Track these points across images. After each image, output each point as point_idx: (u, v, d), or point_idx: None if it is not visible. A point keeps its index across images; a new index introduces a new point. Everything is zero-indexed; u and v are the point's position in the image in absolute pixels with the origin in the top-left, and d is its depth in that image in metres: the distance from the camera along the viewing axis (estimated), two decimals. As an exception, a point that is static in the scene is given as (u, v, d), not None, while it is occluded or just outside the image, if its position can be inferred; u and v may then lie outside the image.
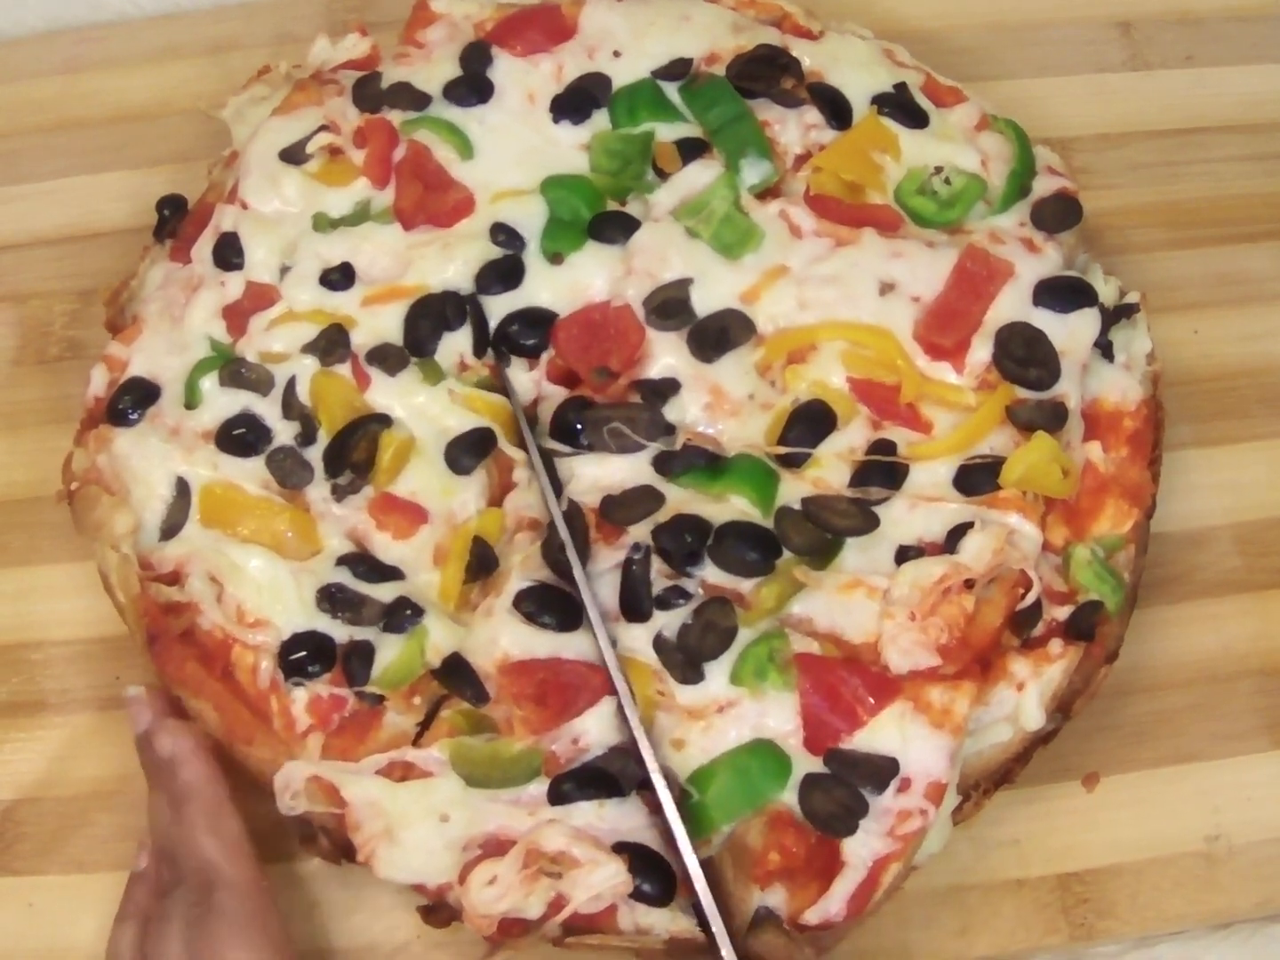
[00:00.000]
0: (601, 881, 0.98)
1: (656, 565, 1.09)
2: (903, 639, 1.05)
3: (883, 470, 1.13)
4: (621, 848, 1.00)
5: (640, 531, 1.10)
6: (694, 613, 1.07)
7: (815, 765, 1.03)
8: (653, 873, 1.00)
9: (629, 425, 1.14)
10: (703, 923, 0.98)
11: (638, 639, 1.07)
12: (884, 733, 1.03)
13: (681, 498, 1.12)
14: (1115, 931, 1.10)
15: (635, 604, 1.08)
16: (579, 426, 1.16)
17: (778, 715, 1.04)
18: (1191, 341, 1.33)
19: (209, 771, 1.06)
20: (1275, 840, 1.12)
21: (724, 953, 0.96)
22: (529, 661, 1.06)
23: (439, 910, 1.02)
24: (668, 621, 1.07)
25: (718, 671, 1.05)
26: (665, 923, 1.00)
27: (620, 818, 1.02)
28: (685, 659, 1.06)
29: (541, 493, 1.12)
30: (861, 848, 1.00)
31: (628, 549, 1.09)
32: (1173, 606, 1.21)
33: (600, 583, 1.09)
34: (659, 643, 1.07)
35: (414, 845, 1.01)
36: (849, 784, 1.01)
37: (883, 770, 1.02)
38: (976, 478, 1.12)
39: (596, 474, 1.14)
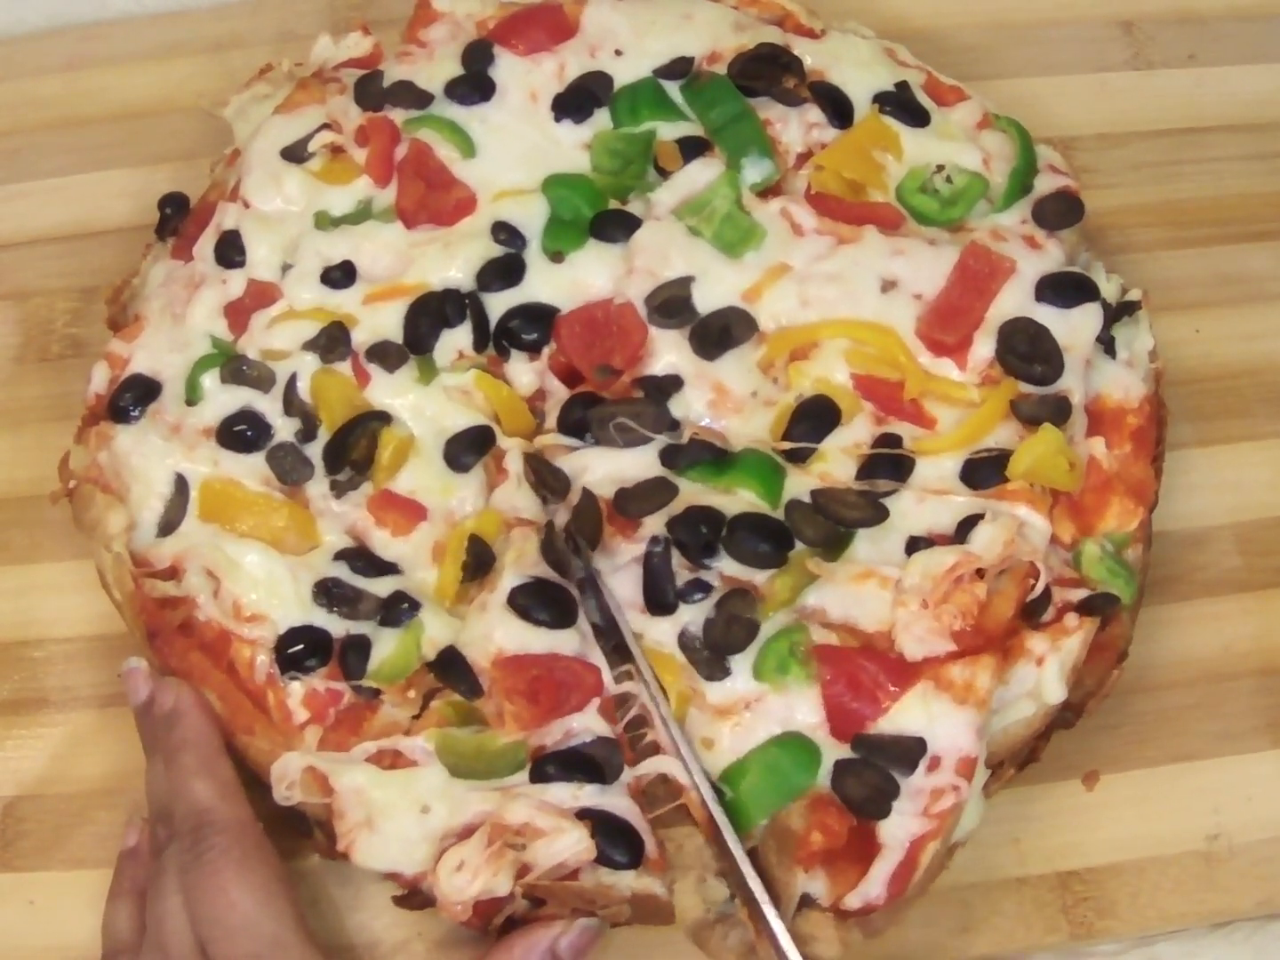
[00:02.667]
0: (565, 848, 0.99)
1: (676, 558, 1.09)
2: (916, 626, 1.05)
3: (889, 463, 1.13)
4: (584, 815, 1.01)
5: (654, 524, 1.10)
6: (716, 605, 1.07)
7: (844, 752, 1.03)
8: (618, 839, 1.01)
9: (635, 420, 1.14)
10: (755, 916, 0.99)
11: (664, 633, 1.07)
12: (909, 714, 1.03)
13: (691, 490, 1.12)
14: (1115, 930, 1.10)
15: (660, 596, 1.08)
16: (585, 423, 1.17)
17: (803, 708, 1.04)
18: (1193, 341, 1.33)
19: (205, 723, 1.06)
20: (1275, 839, 1.12)
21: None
22: (523, 657, 1.06)
23: (412, 896, 1.03)
24: (692, 616, 1.08)
25: (743, 666, 1.06)
26: (628, 881, 1.01)
27: (596, 801, 1.03)
28: (711, 654, 1.06)
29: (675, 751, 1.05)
30: (898, 829, 1.01)
31: (646, 542, 1.09)
32: (1173, 606, 1.21)
33: (619, 577, 1.10)
34: (684, 638, 1.07)
35: (393, 835, 1.02)
36: (878, 766, 1.02)
37: (911, 750, 1.02)
38: (983, 471, 1.12)
39: (608, 468, 1.14)
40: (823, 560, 1.09)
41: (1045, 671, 1.06)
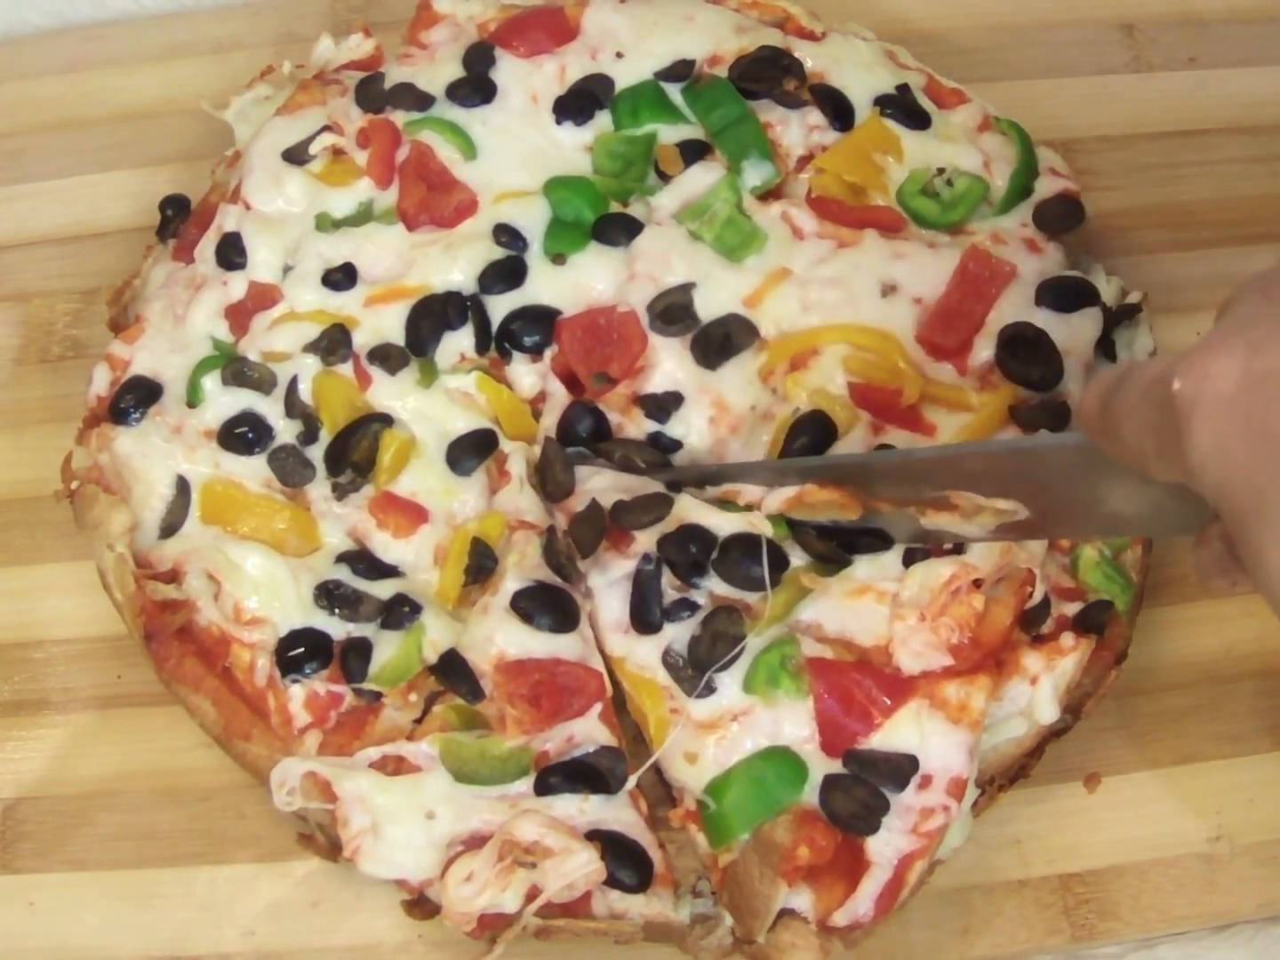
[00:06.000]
0: (575, 869, 0.99)
1: (666, 577, 1.09)
2: (914, 640, 1.05)
3: None
4: (594, 835, 1.01)
5: (647, 540, 1.10)
6: (701, 623, 1.07)
7: (834, 767, 1.03)
8: (627, 860, 1.01)
9: (639, 457, 1.14)
10: None
11: (648, 654, 1.07)
12: (902, 731, 1.03)
13: (690, 506, 1.11)
14: (1117, 932, 1.10)
15: (646, 615, 1.08)
16: (584, 435, 1.17)
17: (793, 722, 1.04)
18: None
19: None
20: (1277, 841, 1.12)
21: None
22: (525, 661, 1.06)
23: (422, 903, 1.03)
24: (676, 635, 1.07)
25: (729, 682, 1.05)
26: (640, 907, 1.01)
27: (602, 814, 1.03)
28: (696, 671, 1.05)
29: None
30: (886, 846, 1.00)
31: (638, 559, 1.09)
32: (1175, 607, 1.21)
33: (610, 594, 1.09)
34: (668, 657, 1.07)
35: (399, 842, 1.02)
36: (869, 783, 1.01)
37: (903, 768, 1.02)
38: None
39: (615, 476, 1.14)
40: (819, 575, 1.09)
41: (1039, 691, 1.06)
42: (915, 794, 1.01)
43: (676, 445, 1.16)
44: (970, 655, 1.05)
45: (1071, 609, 1.11)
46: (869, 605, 1.07)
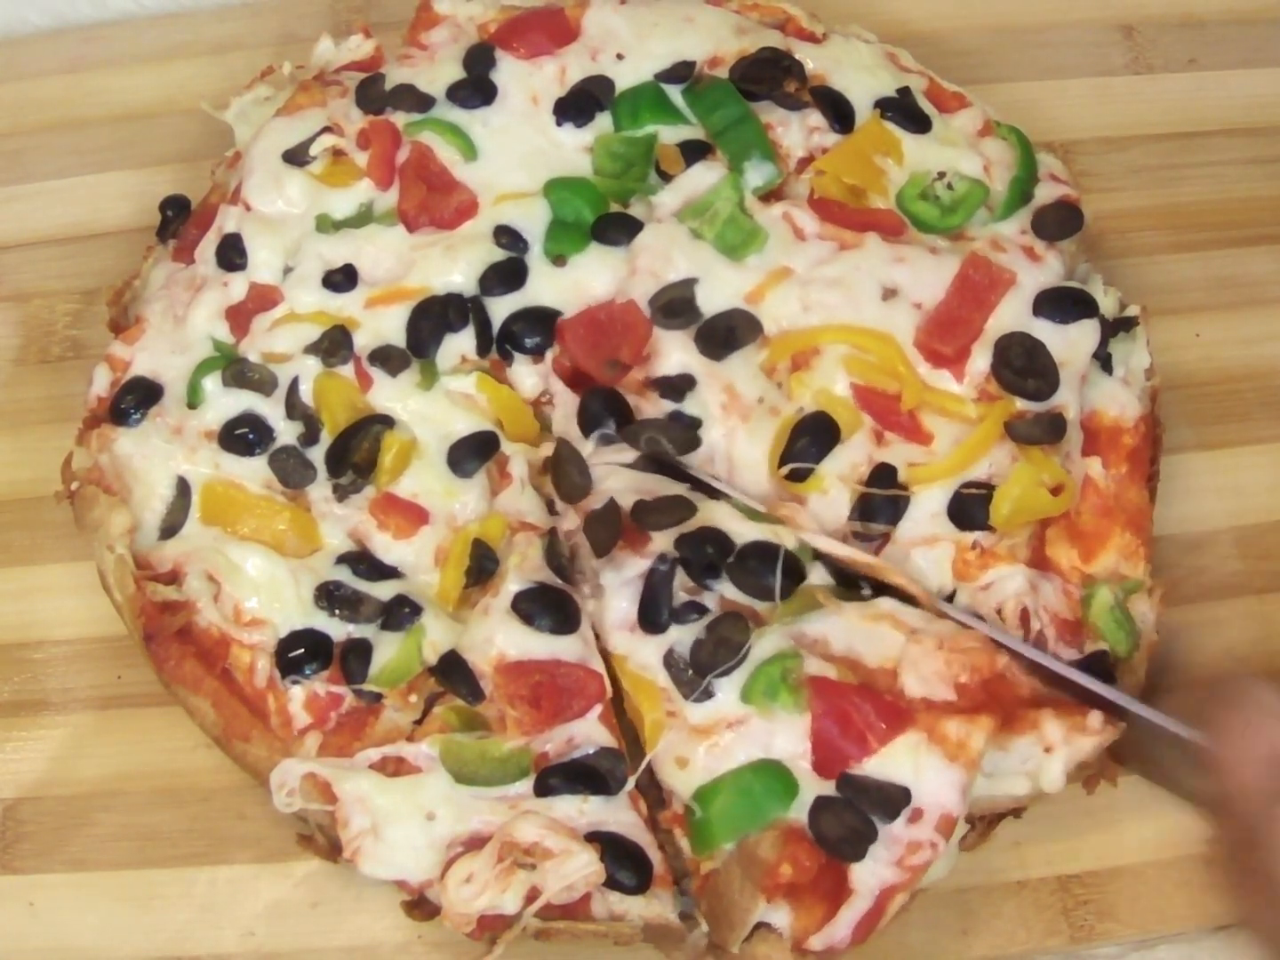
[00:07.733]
0: (574, 871, 0.99)
1: (678, 579, 1.09)
2: (924, 665, 1.04)
3: (884, 504, 1.13)
4: (594, 836, 1.01)
5: (664, 541, 1.10)
6: (707, 628, 1.07)
7: (826, 788, 1.02)
8: (627, 861, 1.01)
9: (664, 436, 1.14)
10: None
11: (650, 654, 1.07)
12: (897, 761, 1.02)
13: (713, 510, 1.11)
14: (1115, 933, 1.10)
15: (654, 614, 1.08)
16: (612, 421, 1.17)
17: (787, 736, 1.03)
18: (1193, 345, 1.33)
19: None
20: (1275, 843, 1.12)
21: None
22: (525, 662, 1.06)
23: (422, 904, 1.03)
24: (680, 637, 1.07)
25: (728, 688, 1.05)
26: (639, 909, 1.01)
27: (601, 816, 1.03)
28: (697, 674, 1.05)
29: None
30: (870, 876, 1.00)
31: (653, 559, 1.09)
32: (1174, 610, 1.20)
33: (621, 592, 1.09)
34: (670, 659, 1.07)
35: (399, 843, 1.02)
36: (859, 809, 1.01)
37: (894, 799, 1.01)
38: (970, 508, 1.12)
39: (632, 477, 1.14)
40: (836, 596, 1.08)
41: (1051, 761, 1.04)
42: (904, 826, 1.00)
43: (696, 422, 1.16)
44: (975, 697, 1.04)
45: (1067, 654, 1.11)
46: (884, 630, 1.06)
